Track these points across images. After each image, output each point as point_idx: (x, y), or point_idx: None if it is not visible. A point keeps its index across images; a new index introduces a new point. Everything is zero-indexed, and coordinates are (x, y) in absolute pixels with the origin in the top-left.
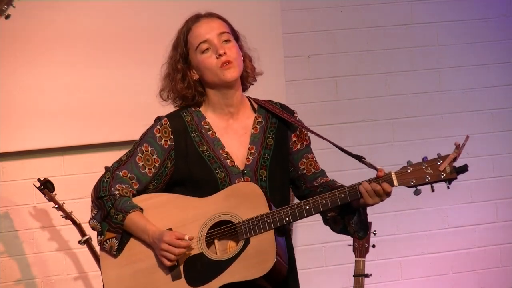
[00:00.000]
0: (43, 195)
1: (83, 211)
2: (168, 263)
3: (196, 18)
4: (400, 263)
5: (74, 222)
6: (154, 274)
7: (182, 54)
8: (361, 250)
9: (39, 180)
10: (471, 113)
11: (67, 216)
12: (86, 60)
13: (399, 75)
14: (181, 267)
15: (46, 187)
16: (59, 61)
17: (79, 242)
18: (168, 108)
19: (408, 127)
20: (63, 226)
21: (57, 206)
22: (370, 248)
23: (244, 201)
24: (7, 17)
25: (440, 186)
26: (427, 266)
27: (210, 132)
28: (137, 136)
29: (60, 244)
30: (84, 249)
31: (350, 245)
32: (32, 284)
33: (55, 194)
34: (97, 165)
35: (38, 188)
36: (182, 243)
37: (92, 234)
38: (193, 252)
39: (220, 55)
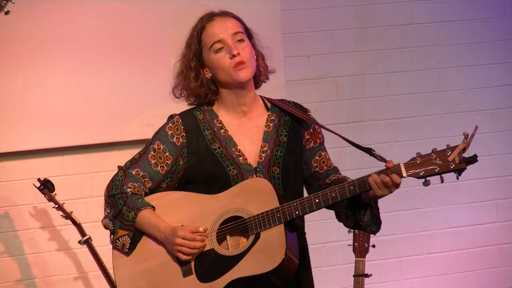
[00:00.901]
0: (43, 195)
1: (83, 211)
2: (183, 257)
3: (210, 17)
4: (400, 263)
5: (74, 222)
6: (165, 271)
7: (196, 53)
8: (361, 250)
9: (39, 180)
10: (471, 113)
11: (67, 216)
12: (86, 60)
13: (399, 75)
14: (192, 263)
15: (46, 187)
16: (59, 62)
17: (79, 242)
18: (174, 108)
19: (408, 127)
20: (63, 226)
21: (57, 206)
22: (370, 248)
23: (254, 196)
24: (7, 13)
25: (440, 186)
26: (427, 266)
27: (222, 130)
28: (137, 136)
29: (60, 244)
30: (84, 249)
31: (350, 245)
32: (32, 284)
33: (55, 194)
34: (97, 165)
35: (38, 188)
36: (197, 236)
37: (92, 234)
38: (204, 248)
39: (233, 55)
